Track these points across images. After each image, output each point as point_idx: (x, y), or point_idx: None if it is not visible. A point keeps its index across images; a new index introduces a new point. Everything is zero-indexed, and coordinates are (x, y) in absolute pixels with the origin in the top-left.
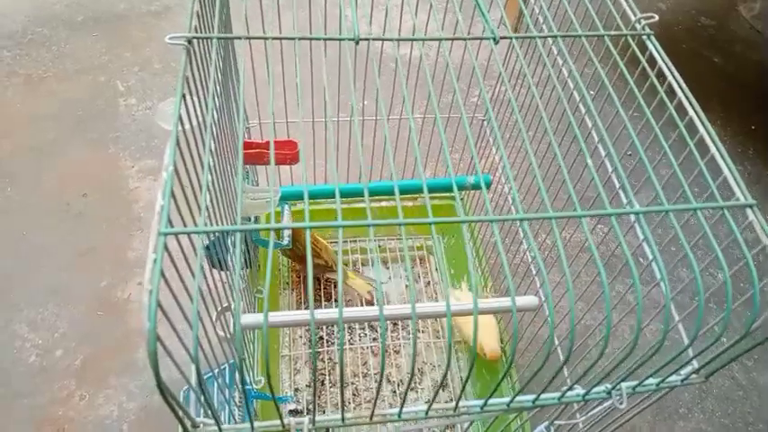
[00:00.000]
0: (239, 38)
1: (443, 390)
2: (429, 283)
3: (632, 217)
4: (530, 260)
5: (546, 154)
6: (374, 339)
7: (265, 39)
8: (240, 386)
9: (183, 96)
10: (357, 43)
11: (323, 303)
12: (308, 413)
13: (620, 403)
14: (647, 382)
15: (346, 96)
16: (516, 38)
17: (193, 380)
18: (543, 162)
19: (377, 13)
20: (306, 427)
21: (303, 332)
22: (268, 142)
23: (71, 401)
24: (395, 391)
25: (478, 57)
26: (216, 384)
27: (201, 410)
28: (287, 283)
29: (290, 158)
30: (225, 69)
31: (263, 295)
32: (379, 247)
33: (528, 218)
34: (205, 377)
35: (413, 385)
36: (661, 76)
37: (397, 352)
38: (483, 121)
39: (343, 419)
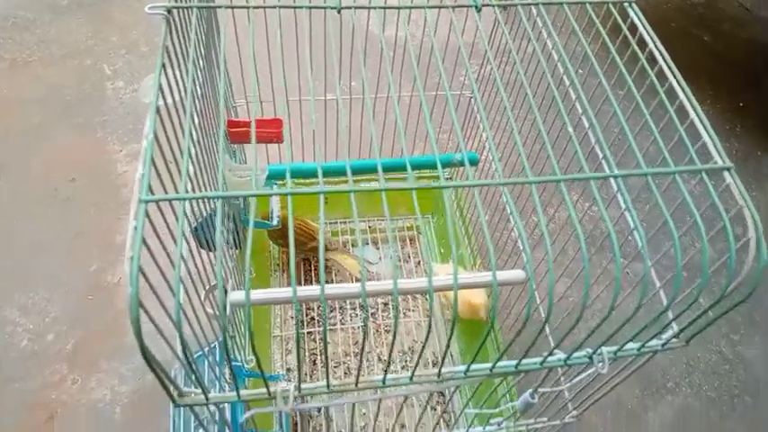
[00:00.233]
0: (220, 7)
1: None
2: (419, 263)
3: (614, 187)
4: (516, 236)
5: (530, 132)
6: (365, 319)
7: (248, 8)
8: (227, 361)
9: (164, 66)
10: (339, 12)
11: (314, 283)
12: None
13: (602, 368)
14: (628, 346)
15: (335, 76)
16: (498, 5)
17: (178, 348)
18: (528, 141)
19: None
20: (292, 395)
21: (294, 313)
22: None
23: (63, 385)
24: (385, 371)
25: (464, 35)
26: (206, 363)
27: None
28: (277, 265)
29: (275, 137)
30: (208, 43)
31: (252, 275)
32: (369, 228)
33: (507, 182)
34: (195, 356)
35: (404, 363)
36: (643, 44)
37: (388, 331)
38: (470, 98)
39: (328, 386)
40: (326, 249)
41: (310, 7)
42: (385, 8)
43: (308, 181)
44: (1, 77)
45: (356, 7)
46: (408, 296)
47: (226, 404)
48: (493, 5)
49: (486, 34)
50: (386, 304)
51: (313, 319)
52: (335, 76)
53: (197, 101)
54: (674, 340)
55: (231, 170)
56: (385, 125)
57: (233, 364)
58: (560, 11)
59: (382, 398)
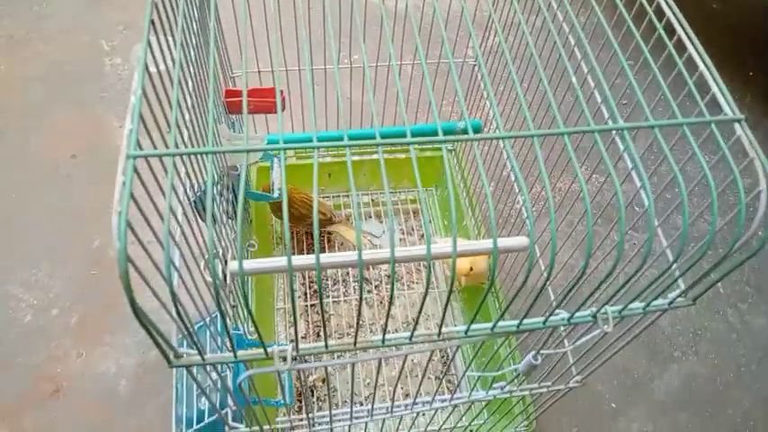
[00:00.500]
0: None
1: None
2: (423, 235)
3: (620, 146)
4: (520, 203)
5: (534, 97)
6: (368, 292)
7: None
8: (222, 325)
9: (152, 22)
10: None
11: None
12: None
13: (607, 328)
14: (633, 305)
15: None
16: None
17: (170, 306)
18: (532, 105)
19: None
20: (289, 355)
21: (298, 285)
22: (251, 90)
23: (68, 359)
24: (384, 329)
25: (466, 1)
26: (207, 332)
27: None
28: (280, 238)
29: (274, 106)
30: (202, 6)
31: (255, 248)
32: (372, 200)
33: (509, 136)
34: (197, 326)
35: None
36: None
37: (392, 303)
38: (474, 66)
39: (326, 346)
40: (330, 222)
41: None
42: None
43: (308, 153)
44: None
45: None
46: (413, 268)
47: (228, 372)
48: None
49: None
50: (389, 276)
51: (316, 291)
52: (334, 45)
53: (191, 65)
54: (680, 299)
55: (229, 139)
56: (386, 97)
57: (234, 332)
58: None
59: (382, 357)
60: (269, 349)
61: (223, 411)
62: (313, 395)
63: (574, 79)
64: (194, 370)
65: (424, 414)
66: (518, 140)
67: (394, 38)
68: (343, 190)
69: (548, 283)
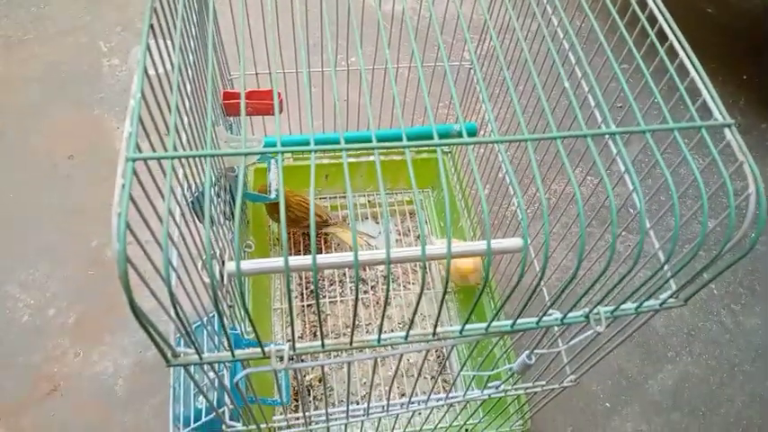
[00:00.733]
0: None
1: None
2: (419, 236)
3: (612, 150)
4: (515, 206)
5: (529, 101)
6: (365, 292)
7: None
8: (220, 325)
9: (151, 27)
10: None
11: None
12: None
13: (600, 328)
14: (625, 306)
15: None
16: None
17: (168, 305)
18: (527, 109)
19: None
20: (286, 354)
21: (295, 286)
22: (249, 92)
23: (66, 359)
24: (380, 329)
25: (462, 6)
26: (205, 332)
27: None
28: (277, 239)
29: (272, 108)
30: (201, 10)
31: (252, 249)
32: (369, 202)
33: (503, 140)
34: (194, 326)
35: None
36: (643, 5)
37: (388, 304)
38: (470, 69)
39: (323, 345)
40: (327, 224)
41: None
42: None
43: (305, 155)
44: None
45: None
46: (409, 269)
47: (225, 371)
48: None
49: (486, 5)
50: (386, 277)
51: (312, 292)
52: (332, 47)
53: (189, 68)
54: (671, 300)
55: (227, 141)
56: (383, 100)
57: (231, 332)
58: None
59: (378, 356)
60: (266, 348)
61: (220, 410)
62: (310, 394)
63: (567, 84)
64: (192, 369)
65: (419, 413)
66: (512, 143)
67: (391, 41)
68: (341, 191)
69: (541, 283)
